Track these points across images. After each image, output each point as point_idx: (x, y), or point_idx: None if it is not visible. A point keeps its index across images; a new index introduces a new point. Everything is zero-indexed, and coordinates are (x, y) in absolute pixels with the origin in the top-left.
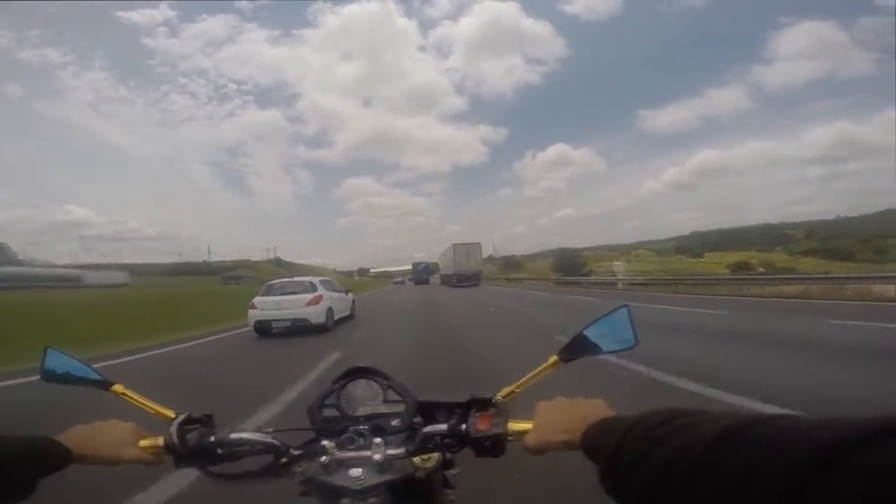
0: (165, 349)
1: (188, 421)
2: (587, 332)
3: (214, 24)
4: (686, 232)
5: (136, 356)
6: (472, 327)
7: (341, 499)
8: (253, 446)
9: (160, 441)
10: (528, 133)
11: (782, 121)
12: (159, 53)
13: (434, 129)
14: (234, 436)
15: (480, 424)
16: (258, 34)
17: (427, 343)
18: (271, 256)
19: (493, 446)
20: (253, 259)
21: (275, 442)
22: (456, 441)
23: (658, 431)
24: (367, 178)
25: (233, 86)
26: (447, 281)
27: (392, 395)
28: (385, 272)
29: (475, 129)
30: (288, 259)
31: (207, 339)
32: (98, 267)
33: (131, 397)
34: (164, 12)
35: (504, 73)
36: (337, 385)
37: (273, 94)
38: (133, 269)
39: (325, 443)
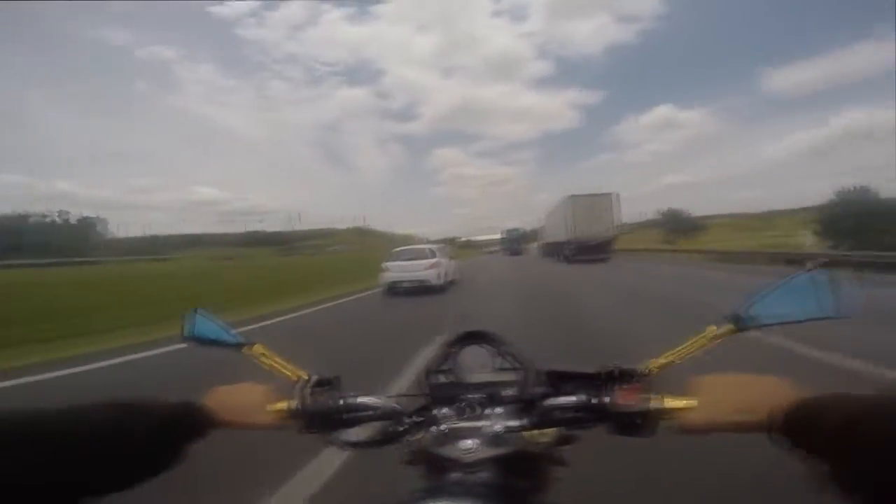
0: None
1: (318, 384)
2: (771, 297)
3: (294, 8)
4: (822, 202)
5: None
6: None
7: (448, 472)
8: (376, 411)
9: (291, 404)
10: (627, 96)
11: None
12: (252, 43)
13: (520, 95)
14: (360, 400)
15: (626, 398)
16: (335, 14)
17: None
18: (357, 225)
19: (642, 423)
20: (339, 227)
21: (397, 407)
22: (590, 416)
23: None
24: (454, 149)
25: (324, 68)
26: (555, 251)
27: (507, 364)
28: (470, 241)
29: (564, 93)
30: (377, 228)
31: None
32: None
33: (267, 359)
34: (248, 3)
35: (592, 34)
36: (451, 350)
37: (359, 73)
38: (196, 241)
39: (438, 411)
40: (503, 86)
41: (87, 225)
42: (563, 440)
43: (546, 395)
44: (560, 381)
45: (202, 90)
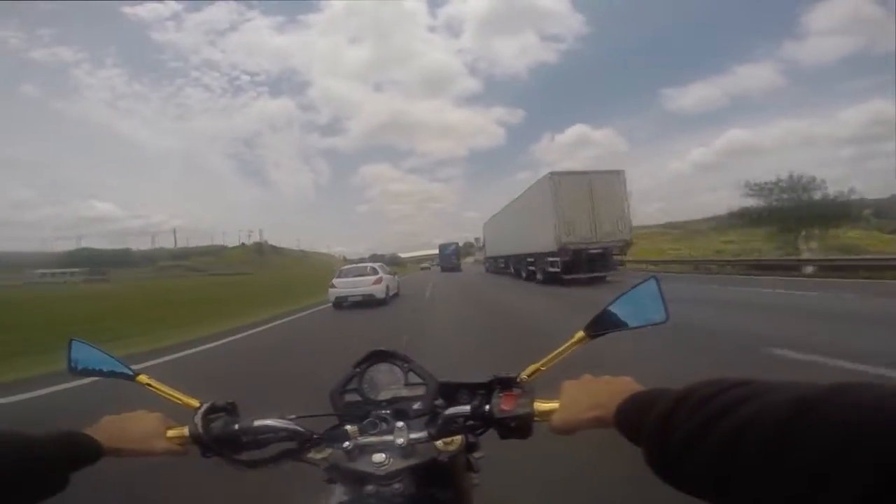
0: None
1: (212, 410)
2: (614, 307)
3: (217, 13)
4: (721, 212)
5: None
6: None
7: (366, 485)
8: (277, 433)
9: (186, 431)
10: (546, 114)
11: (815, 98)
12: (169, 48)
13: (448, 112)
14: (257, 423)
15: (505, 405)
16: (263, 21)
17: None
18: (250, 241)
19: (519, 427)
20: (229, 245)
21: (298, 428)
22: (479, 423)
23: (715, 403)
24: (384, 165)
25: (244, 77)
26: (514, 265)
27: (413, 379)
28: (396, 257)
29: (490, 111)
30: (286, 246)
31: None
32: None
33: (157, 388)
34: (168, 6)
35: (519, 52)
36: (358, 369)
37: (284, 83)
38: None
39: (347, 428)
40: (434, 101)
41: None
42: (471, 447)
43: (446, 406)
44: (455, 392)
45: (106, 96)
